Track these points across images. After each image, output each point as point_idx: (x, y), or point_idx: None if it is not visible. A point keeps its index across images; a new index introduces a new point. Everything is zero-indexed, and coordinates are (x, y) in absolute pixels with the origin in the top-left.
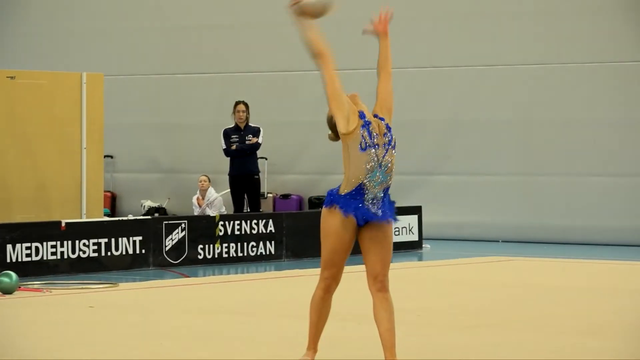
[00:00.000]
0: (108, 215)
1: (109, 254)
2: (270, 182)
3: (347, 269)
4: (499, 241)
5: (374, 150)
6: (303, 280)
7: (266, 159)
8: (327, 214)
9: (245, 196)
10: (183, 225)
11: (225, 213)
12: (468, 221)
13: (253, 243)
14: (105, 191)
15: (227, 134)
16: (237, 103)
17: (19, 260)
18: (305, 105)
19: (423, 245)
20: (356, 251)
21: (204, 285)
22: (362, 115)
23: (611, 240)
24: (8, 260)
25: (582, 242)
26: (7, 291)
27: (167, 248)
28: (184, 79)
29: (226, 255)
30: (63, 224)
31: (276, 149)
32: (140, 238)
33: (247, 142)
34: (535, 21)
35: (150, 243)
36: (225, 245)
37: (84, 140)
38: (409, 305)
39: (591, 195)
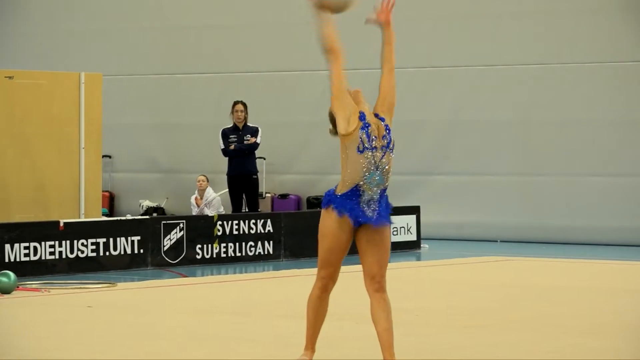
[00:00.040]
0: (106, 215)
1: (107, 253)
2: (269, 182)
3: (343, 268)
4: (497, 241)
5: (371, 153)
6: (301, 280)
7: (264, 158)
8: (324, 214)
9: (244, 196)
10: (181, 225)
11: (223, 213)
12: (467, 221)
13: (251, 243)
14: (103, 191)
15: (225, 134)
16: (236, 103)
17: (17, 260)
18: (304, 105)
19: (421, 245)
20: (353, 251)
21: (202, 285)
22: (362, 117)
23: (611, 240)
24: (6, 260)
25: (582, 242)
26: (6, 291)
27: (165, 248)
28: (183, 78)
29: (224, 255)
30: (61, 224)
31: (274, 148)
32: (139, 238)
33: (245, 142)
34: (535, 21)
35: (148, 243)
36: (223, 245)
37: (83, 140)
38: (407, 305)
39: (591, 195)
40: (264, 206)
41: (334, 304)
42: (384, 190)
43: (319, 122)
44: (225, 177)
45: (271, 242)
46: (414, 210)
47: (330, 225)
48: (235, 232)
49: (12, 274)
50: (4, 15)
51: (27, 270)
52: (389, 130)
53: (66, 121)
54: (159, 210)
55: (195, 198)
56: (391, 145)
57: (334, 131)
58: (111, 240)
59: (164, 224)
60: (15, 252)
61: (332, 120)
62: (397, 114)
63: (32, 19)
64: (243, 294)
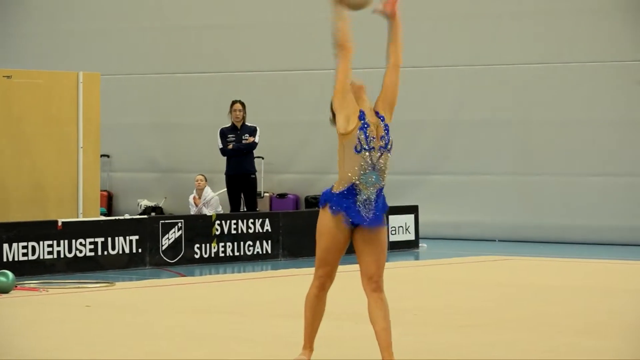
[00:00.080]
0: (104, 215)
1: (105, 253)
2: (267, 182)
3: (341, 268)
4: (495, 240)
5: (368, 153)
6: (299, 279)
7: (263, 158)
8: (321, 213)
9: (242, 195)
10: (180, 224)
11: (221, 212)
12: (465, 221)
13: (249, 242)
14: (101, 190)
15: (223, 133)
16: (234, 102)
17: (16, 259)
18: (302, 105)
19: (419, 245)
20: (350, 251)
21: (200, 284)
22: (361, 116)
23: (609, 240)
24: (5, 260)
25: (580, 242)
26: (4, 290)
27: (163, 247)
28: (182, 78)
29: (223, 255)
30: (60, 223)
31: (273, 148)
32: (137, 237)
33: (243, 141)
34: (535, 21)
35: (146, 242)
36: (221, 244)
37: (81, 140)
38: (405, 304)
39: (590, 195)
40: (262, 206)
41: (332, 303)
42: (381, 189)
43: (318, 121)
44: (223, 177)
45: (269, 241)
46: (413, 209)
47: (328, 224)
48: (233, 232)
49: (10, 274)
50: (4, 16)
51: (26, 269)
52: (388, 130)
53: (64, 121)
54: (157, 209)
55: (194, 197)
56: (389, 146)
57: (334, 121)
58: (109, 239)
59: (162, 223)
60: (14, 251)
61: (334, 111)
62: (397, 113)
63: (32, 19)
64: (241, 294)
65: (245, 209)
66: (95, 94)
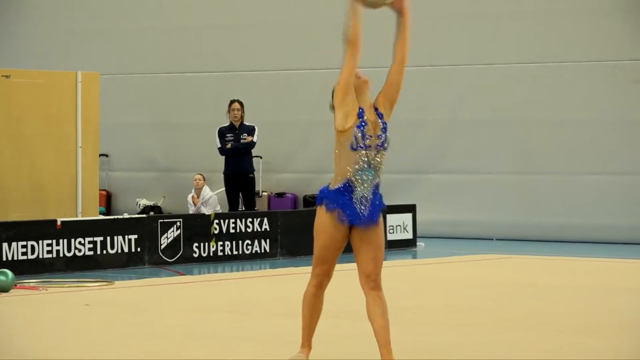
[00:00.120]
0: (103, 214)
1: (104, 252)
2: (265, 181)
3: (338, 267)
4: (493, 239)
5: (365, 151)
6: (298, 278)
7: (261, 157)
8: (318, 212)
9: (240, 195)
10: (178, 223)
11: (220, 211)
12: (463, 219)
13: (248, 241)
14: (100, 190)
15: (222, 133)
16: (232, 102)
17: (15, 258)
18: (301, 104)
19: (417, 244)
20: (347, 250)
21: (199, 283)
22: (360, 114)
23: (608, 239)
24: (4, 259)
25: (578, 240)
26: (4, 289)
27: (162, 246)
28: (182, 78)
29: (221, 254)
30: (59, 223)
31: (271, 147)
32: (136, 236)
33: (242, 140)
34: (535, 21)
35: (145, 241)
36: (220, 243)
37: (80, 139)
38: (403, 303)
39: (587, 193)
40: (261, 205)
41: (330, 302)
42: (377, 186)
43: (316, 121)
44: (222, 176)
45: (268, 240)
46: (410, 208)
47: (325, 222)
48: (232, 231)
49: (10, 273)
50: (4, 16)
51: (25, 268)
52: (385, 128)
53: (63, 120)
54: (155, 209)
55: (192, 197)
56: (385, 145)
57: (334, 108)
58: (108, 238)
59: (161, 222)
60: (13, 250)
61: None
62: (395, 112)
63: (32, 19)
64: (240, 293)
65: (243, 208)
66: (94, 93)
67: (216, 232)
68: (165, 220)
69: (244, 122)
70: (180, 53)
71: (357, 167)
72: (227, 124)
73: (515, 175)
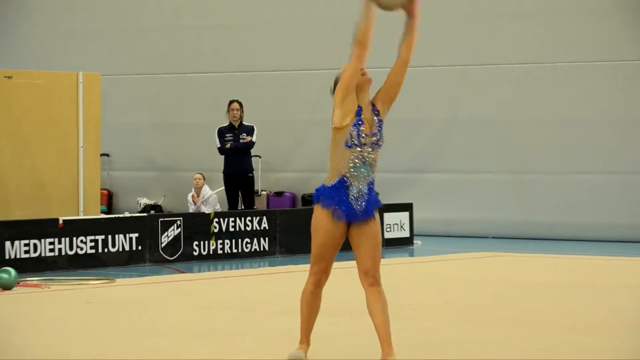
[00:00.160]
0: (105, 213)
1: (105, 250)
2: (264, 180)
3: (336, 264)
4: (488, 237)
5: (359, 148)
6: (297, 276)
7: (260, 157)
8: (315, 210)
9: (240, 194)
10: (178, 222)
11: (219, 210)
12: (459, 218)
13: (247, 240)
14: (102, 189)
15: (221, 133)
16: (231, 102)
17: (18, 256)
18: (299, 104)
19: (414, 242)
20: (346, 247)
21: (199, 281)
22: (358, 113)
23: (605, 237)
24: (7, 257)
25: (573, 239)
26: (7, 287)
27: (162, 245)
28: (182, 78)
29: (221, 252)
30: (61, 221)
31: (270, 147)
32: (137, 235)
33: (241, 140)
34: (535, 21)
35: (146, 240)
36: (220, 241)
37: (81, 139)
38: (401, 300)
39: (582, 192)
40: (260, 204)
41: (328, 299)
42: (372, 183)
43: (314, 120)
44: (221, 175)
45: (267, 238)
46: (407, 207)
47: (322, 220)
48: (231, 229)
49: (12, 271)
50: (4, 16)
51: (28, 266)
52: (381, 127)
53: (65, 120)
54: (156, 207)
55: (192, 196)
56: (380, 142)
57: (334, 91)
58: (110, 237)
59: (161, 221)
60: (16, 249)
61: (336, 83)
62: (393, 111)
63: (32, 19)
64: (241, 290)
65: (243, 207)
66: (95, 94)
67: (216, 230)
68: (165, 219)
69: (243, 122)
70: (180, 53)
71: (351, 164)
72: (227, 124)
73: (511, 175)
